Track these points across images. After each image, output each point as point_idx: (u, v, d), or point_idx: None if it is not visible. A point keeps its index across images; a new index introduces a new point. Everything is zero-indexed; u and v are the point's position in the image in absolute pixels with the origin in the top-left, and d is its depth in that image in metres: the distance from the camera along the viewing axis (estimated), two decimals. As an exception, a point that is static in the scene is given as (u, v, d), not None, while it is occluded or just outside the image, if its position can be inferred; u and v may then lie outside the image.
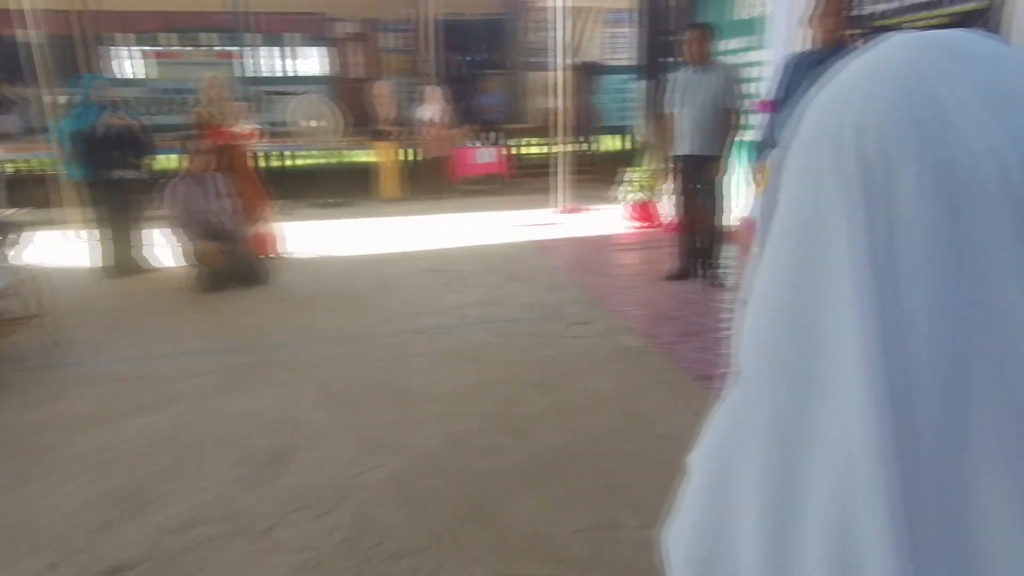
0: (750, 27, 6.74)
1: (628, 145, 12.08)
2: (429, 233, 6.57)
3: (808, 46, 4.70)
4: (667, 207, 6.30)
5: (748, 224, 5.49)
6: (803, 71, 3.38)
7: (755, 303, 0.41)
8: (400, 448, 2.48)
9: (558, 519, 2.05)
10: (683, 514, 0.45)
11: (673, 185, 4.39)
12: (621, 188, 6.59)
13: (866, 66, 0.34)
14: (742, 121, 4.21)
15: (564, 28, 7.47)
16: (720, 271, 4.46)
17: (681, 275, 4.54)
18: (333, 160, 9.04)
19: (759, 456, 0.37)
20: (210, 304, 4.31)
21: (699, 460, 0.47)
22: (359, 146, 9.33)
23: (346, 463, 2.38)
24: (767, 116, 3.73)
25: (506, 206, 8.18)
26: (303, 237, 6.27)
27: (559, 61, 7.51)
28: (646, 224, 6.44)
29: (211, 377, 3.15)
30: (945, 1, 3.90)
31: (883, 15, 4.29)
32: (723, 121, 4.19)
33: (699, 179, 4.25)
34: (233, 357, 3.40)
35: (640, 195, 6.44)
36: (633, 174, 6.50)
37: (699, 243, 4.44)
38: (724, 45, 7.17)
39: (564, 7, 7.33)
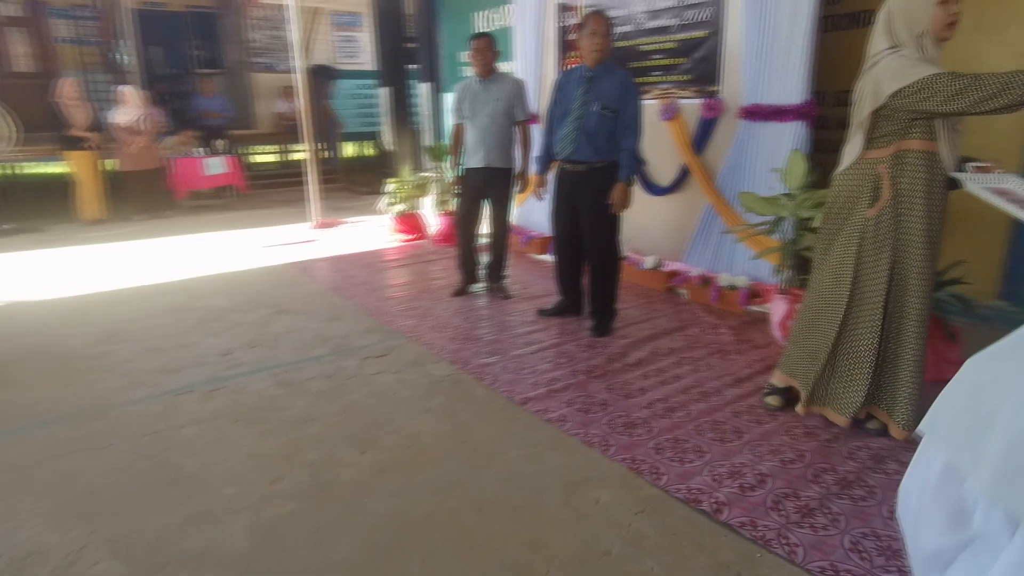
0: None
1: (373, 152, 11.76)
2: (160, 261, 5.52)
3: (556, 64, 4.94)
4: (435, 218, 6.18)
5: (521, 233, 5.61)
6: (572, 87, 3.47)
7: None
8: (197, 559, 1.92)
9: (426, 608, 1.75)
10: None
11: (457, 196, 4.23)
12: (384, 199, 6.27)
13: None
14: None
15: (295, 28, 6.87)
16: (506, 283, 4.45)
17: (466, 289, 4.43)
18: (5, 174, 7.14)
19: None
20: None
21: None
22: (45, 156, 7.53)
23: (122, 601, 1.76)
24: (543, 130, 3.78)
25: (248, 223, 7.30)
26: (-25, 280, 4.80)
27: (297, 62, 6.89)
28: (413, 236, 6.24)
29: None
30: (672, 29, 4.36)
31: (624, 37, 4.67)
32: (514, 133, 4.16)
33: (488, 192, 4.17)
34: None
35: (405, 206, 6.20)
36: (395, 184, 6.23)
37: (490, 256, 4.37)
38: (465, 57, 7.30)
39: (294, 5, 6.73)
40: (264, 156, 11.64)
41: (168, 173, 7.84)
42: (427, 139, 8.18)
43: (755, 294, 3.90)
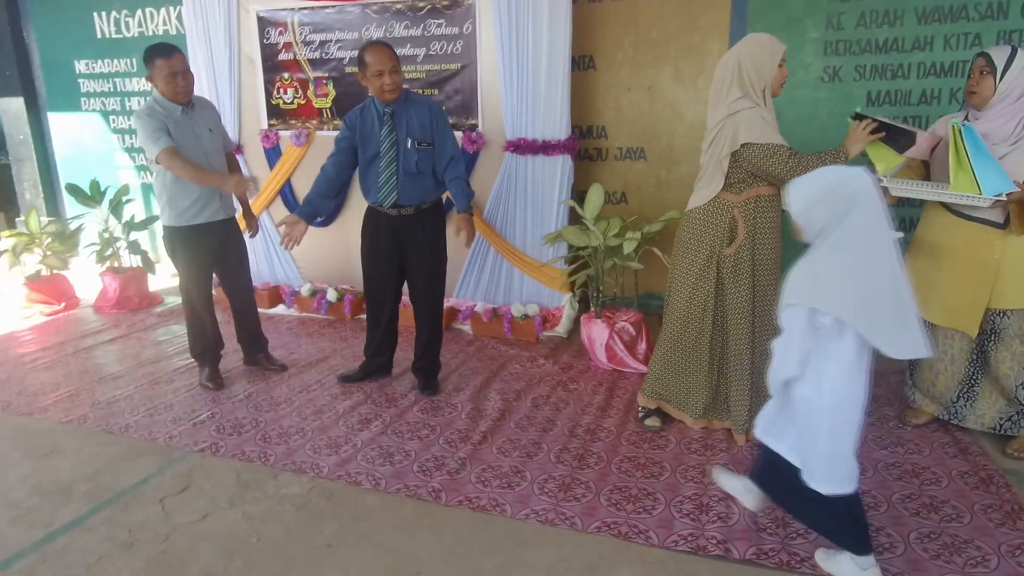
0: (121, 49, 5.59)
1: None
2: None
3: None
4: (94, 278, 4.65)
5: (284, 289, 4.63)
6: (372, 127, 2.98)
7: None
8: None
9: None
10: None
11: (184, 262, 3.20)
12: (5, 259, 4.40)
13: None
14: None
15: None
16: (271, 349, 3.62)
17: (220, 378, 3.40)
18: None
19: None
20: None
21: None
22: None
23: None
24: (318, 176, 3.12)
25: None
26: None
27: None
28: (61, 307, 4.56)
29: None
30: (419, 59, 4.20)
31: (356, 63, 4.25)
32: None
33: (228, 249, 3.28)
34: None
35: (42, 267, 4.48)
36: (16, 238, 4.43)
37: (246, 326, 3.46)
38: (87, 67, 5.71)
39: None
40: None
41: None
42: (28, 172, 6.09)
43: (545, 320, 4.03)
